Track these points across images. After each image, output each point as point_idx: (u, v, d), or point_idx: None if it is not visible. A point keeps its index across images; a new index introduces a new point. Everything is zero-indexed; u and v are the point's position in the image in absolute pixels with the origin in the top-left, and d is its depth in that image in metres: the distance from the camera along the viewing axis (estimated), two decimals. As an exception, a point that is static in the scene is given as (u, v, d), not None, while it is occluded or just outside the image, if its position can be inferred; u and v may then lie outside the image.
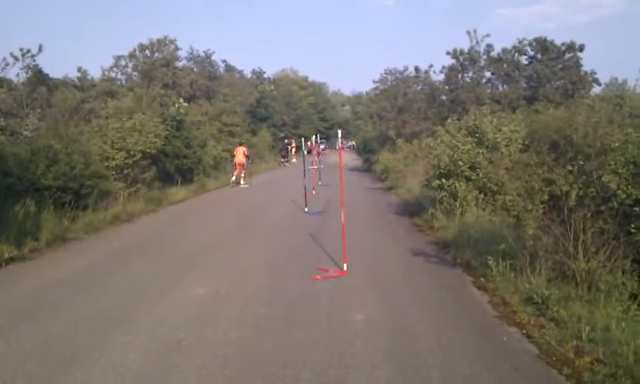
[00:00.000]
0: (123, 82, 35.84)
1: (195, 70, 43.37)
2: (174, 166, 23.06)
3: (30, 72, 23.18)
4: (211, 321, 6.85)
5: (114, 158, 17.84)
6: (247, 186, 26.45)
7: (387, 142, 33.47)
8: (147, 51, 36.20)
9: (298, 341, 6.15)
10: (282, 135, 54.37)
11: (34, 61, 22.83)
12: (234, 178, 26.89)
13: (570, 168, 7.35)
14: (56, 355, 5.70)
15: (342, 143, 11.06)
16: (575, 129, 7.35)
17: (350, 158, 47.70)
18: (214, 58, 48.54)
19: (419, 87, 34.47)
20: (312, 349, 5.90)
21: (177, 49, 38.14)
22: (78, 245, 12.16)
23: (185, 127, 25.58)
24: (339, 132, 11.04)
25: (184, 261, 10.38)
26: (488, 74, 32.52)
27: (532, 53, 32.48)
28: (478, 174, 12.54)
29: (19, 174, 12.85)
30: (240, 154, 27.28)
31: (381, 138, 35.88)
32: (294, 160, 45.87)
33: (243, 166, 27.23)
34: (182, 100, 28.72)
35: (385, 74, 38.40)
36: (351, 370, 5.39)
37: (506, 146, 12.74)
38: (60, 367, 5.39)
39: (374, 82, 39.74)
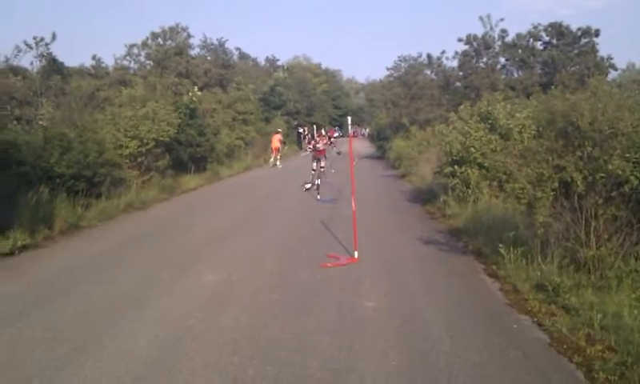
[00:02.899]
0: (136, 70, 35.88)
1: (209, 58, 43.35)
2: (187, 154, 23.09)
3: (43, 60, 23.34)
4: (221, 308, 6.88)
5: (127, 146, 17.91)
6: (281, 166, 30.29)
7: (401, 129, 33.33)
8: (159, 39, 36.19)
9: (308, 328, 6.16)
10: (296, 123, 54.27)
11: (48, 49, 22.97)
12: (272, 160, 31.27)
13: (580, 154, 7.25)
14: (66, 342, 5.75)
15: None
16: (581, 114, 7.23)
17: (363, 146, 47.56)
18: (227, 45, 48.56)
19: (433, 74, 34.27)
20: (321, 336, 5.91)
21: (189, 37, 38.08)
22: (91, 232, 12.25)
23: (198, 115, 25.61)
24: (349, 119, 11.00)
25: (196, 248, 10.41)
26: (502, 60, 32.24)
27: (547, 38, 32.10)
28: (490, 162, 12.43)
29: (33, 162, 12.93)
30: (276, 140, 31.88)
31: (394, 125, 35.74)
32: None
33: (279, 150, 31.75)
34: (195, 88, 28.72)
35: (399, 60, 38.32)
36: (360, 356, 5.40)
37: (519, 132, 12.60)
38: (70, 354, 5.43)
39: (388, 69, 39.70)
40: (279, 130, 35.44)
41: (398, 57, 38.56)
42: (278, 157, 31.48)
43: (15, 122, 19.22)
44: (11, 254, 9.75)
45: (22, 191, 11.78)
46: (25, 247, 10.14)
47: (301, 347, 5.59)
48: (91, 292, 7.62)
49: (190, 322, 6.34)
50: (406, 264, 9.28)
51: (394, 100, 36.48)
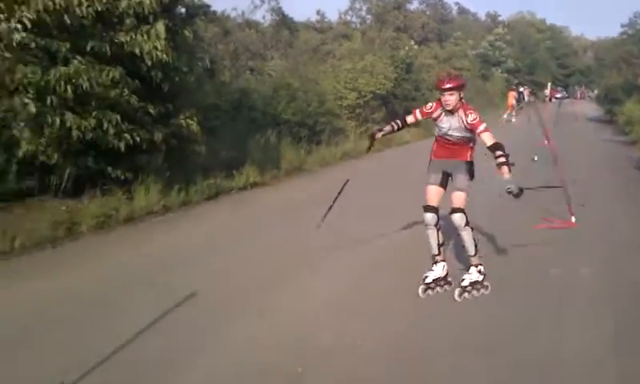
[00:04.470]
0: (358, 25, 36.90)
1: (427, 12, 43.06)
2: (402, 108, 23.37)
3: (274, 15, 25.11)
4: (406, 265, 6.77)
5: (346, 98, 18.69)
6: (515, 120, 30.77)
7: (635, 90, 30.28)
8: (380, -6, 36.78)
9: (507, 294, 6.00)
10: (516, 82, 51.92)
11: (278, 3, 24.64)
12: (505, 116, 31.06)
13: None
14: (262, 269, 6.57)
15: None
16: None
17: (589, 109, 44.10)
18: (446, 0, 47.75)
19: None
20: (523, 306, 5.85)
21: (409, -9, 38.16)
22: (312, 175, 13.19)
23: (414, 70, 25.70)
24: (549, 84, 10.47)
25: (400, 197, 10.46)
26: None
27: None
28: None
29: (262, 109, 14.20)
30: (511, 97, 32.96)
31: (627, 86, 32.56)
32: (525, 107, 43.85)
33: (513, 107, 32.42)
34: (412, 42, 28.82)
35: (634, 17, 34.69)
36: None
37: None
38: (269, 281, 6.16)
39: (623, 26, 36.17)
40: (513, 86, 37.04)
41: (634, 13, 34.90)
42: (513, 113, 31.92)
43: (249, 72, 21.11)
44: (244, 188, 11.11)
45: (253, 134, 13.03)
46: (255, 184, 11.43)
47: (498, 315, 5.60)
48: (298, 226, 8.35)
49: (379, 257, 6.95)
50: (632, 240, 8.47)
51: (626, 58, 33.22)
